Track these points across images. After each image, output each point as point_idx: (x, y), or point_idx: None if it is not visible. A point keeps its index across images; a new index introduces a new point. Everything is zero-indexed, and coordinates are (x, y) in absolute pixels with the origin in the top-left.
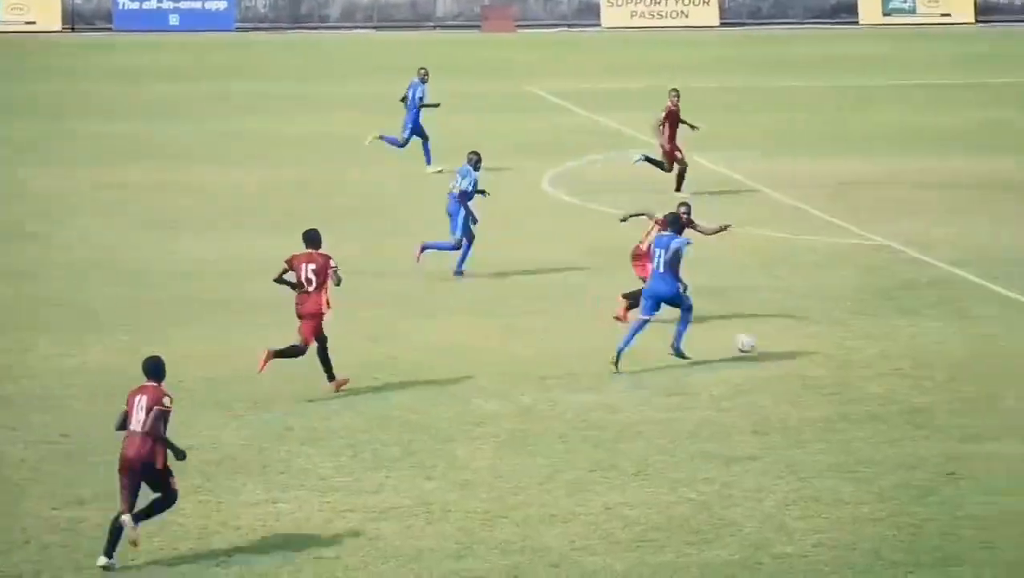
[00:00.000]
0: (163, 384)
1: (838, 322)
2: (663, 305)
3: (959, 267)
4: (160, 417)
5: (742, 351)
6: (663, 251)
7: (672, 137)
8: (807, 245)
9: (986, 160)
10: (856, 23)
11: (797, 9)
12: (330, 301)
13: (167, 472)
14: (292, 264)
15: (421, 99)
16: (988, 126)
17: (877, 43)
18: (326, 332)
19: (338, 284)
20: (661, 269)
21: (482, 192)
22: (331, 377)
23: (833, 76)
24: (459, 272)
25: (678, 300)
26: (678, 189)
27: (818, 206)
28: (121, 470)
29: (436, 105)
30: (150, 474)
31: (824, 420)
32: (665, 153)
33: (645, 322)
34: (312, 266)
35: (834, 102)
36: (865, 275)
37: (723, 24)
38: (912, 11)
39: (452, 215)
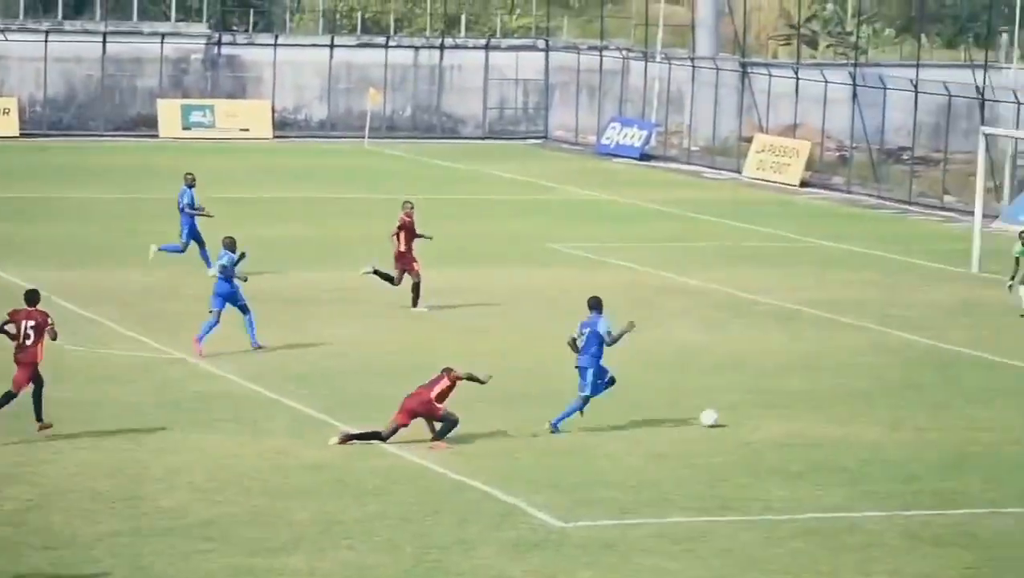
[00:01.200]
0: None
1: (128, 435)
2: None
3: (253, 381)
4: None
5: (711, 426)
6: None
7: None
8: (102, 358)
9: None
10: (156, 136)
11: (99, 121)
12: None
13: None
14: (13, 318)
15: (191, 204)
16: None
17: (175, 156)
18: (42, 377)
19: (54, 338)
20: None
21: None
22: (39, 417)
23: (130, 187)
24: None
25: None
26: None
27: (113, 318)
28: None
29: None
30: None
31: (114, 534)
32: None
33: None
34: (31, 322)
35: (129, 213)
36: (161, 388)
37: (23, 135)
38: (212, 125)
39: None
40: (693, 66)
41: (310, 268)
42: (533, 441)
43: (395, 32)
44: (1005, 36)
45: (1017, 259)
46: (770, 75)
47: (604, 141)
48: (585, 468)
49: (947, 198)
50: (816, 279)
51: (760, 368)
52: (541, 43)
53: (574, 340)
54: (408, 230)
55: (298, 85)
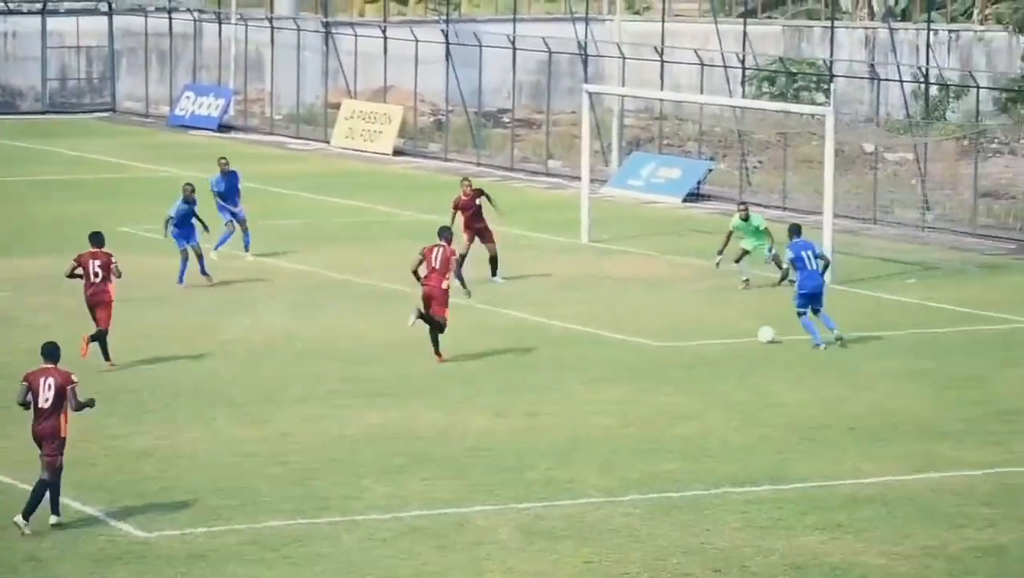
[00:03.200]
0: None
1: None
2: None
3: None
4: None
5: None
6: None
7: None
8: None
9: None
10: None
11: None
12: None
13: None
14: (80, 260)
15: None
16: None
17: None
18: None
19: (119, 276)
20: None
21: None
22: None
23: None
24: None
25: None
26: None
27: None
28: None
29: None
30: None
31: None
32: None
33: None
34: (98, 261)
35: None
36: None
37: None
38: None
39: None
40: (272, 27)
41: None
42: (111, 445)
43: None
44: None
45: (731, 232)
46: (356, 35)
47: (178, 112)
48: (168, 473)
49: (552, 163)
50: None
51: (356, 354)
52: (104, 6)
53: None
54: (463, 207)
55: None
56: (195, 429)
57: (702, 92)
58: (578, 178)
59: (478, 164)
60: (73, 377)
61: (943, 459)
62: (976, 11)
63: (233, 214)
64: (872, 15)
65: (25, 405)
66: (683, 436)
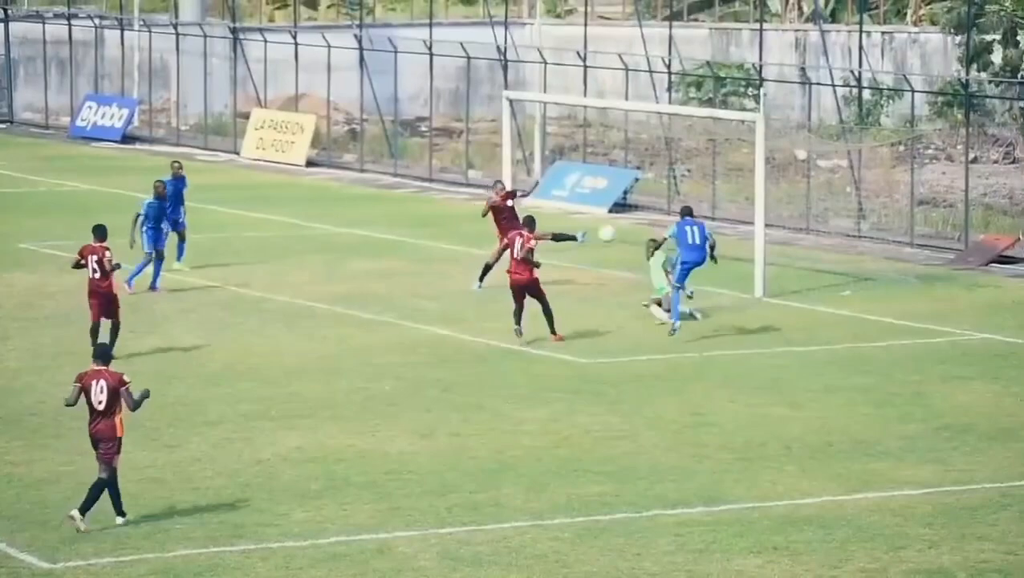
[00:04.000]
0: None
1: None
2: None
3: None
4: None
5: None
6: None
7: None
8: None
9: None
10: None
11: None
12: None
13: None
14: (82, 253)
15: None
16: None
17: None
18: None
19: (112, 269)
20: None
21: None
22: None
23: None
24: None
25: None
26: None
27: None
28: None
29: None
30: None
31: None
32: None
33: None
34: (95, 257)
35: None
36: None
37: None
38: None
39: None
40: (177, 33)
41: None
42: (12, 472)
43: None
44: None
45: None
46: (265, 41)
47: (79, 123)
48: (72, 500)
49: (472, 173)
50: (330, 271)
51: (270, 374)
52: (0, 12)
53: None
54: (497, 209)
55: None
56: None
57: (627, 98)
58: None
59: (395, 175)
60: (125, 377)
61: (882, 478)
62: (910, 12)
63: (175, 222)
64: (801, 16)
65: (73, 405)
66: (613, 457)
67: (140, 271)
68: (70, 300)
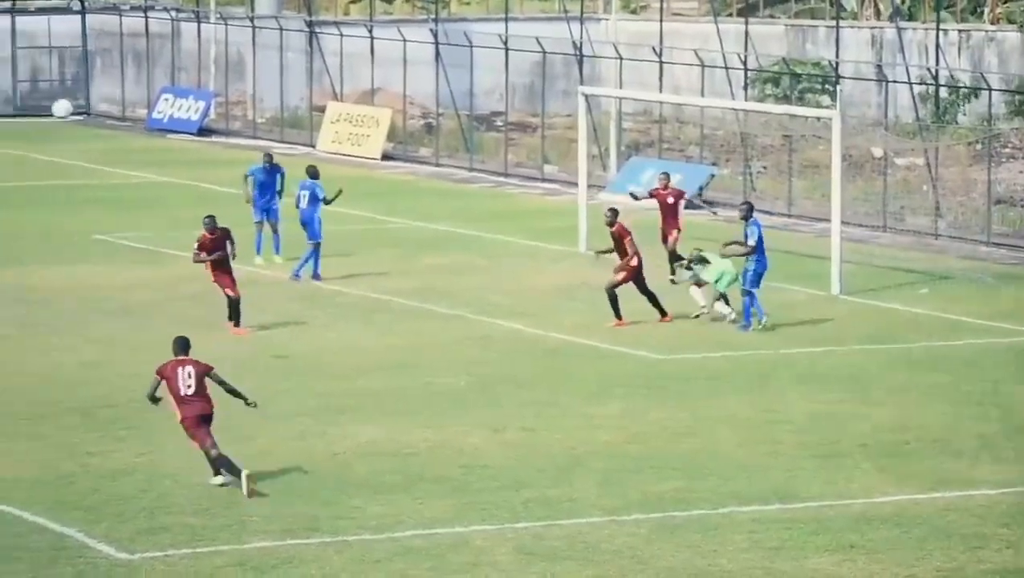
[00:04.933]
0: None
1: None
2: None
3: None
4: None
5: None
6: None
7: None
8: None
9: None
10: None
11: None
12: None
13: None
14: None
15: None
16: None
17: None
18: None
19: (233, 257)
20: None
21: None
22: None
23: None
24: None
25: None
26: None
27: None
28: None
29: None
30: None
31: None
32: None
33: None
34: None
35: None
36: None
37: None
38: None
39: (306, 223)
40: (253, 26)
41: None
42: (88, 462)
43: None
44: None
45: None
46: (341, 35)
47: (156, 115)
48: (149, 491)
49: (547, 168)
50: (405, 265)
51: (344, 367)
52: (76, 4)
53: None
54: (661, 199)
55: None
56: (175, 445)
57: (703, 94)
58: (575, 184)
59: (471, 169)
60: (211, 365)
61: (959, 477)
62: (987, 10)
63: (269, 211)
64: (878, 14)
65: (153, 399)
66: (686, 453)
67: (306, 263)
68: (143, 292)
